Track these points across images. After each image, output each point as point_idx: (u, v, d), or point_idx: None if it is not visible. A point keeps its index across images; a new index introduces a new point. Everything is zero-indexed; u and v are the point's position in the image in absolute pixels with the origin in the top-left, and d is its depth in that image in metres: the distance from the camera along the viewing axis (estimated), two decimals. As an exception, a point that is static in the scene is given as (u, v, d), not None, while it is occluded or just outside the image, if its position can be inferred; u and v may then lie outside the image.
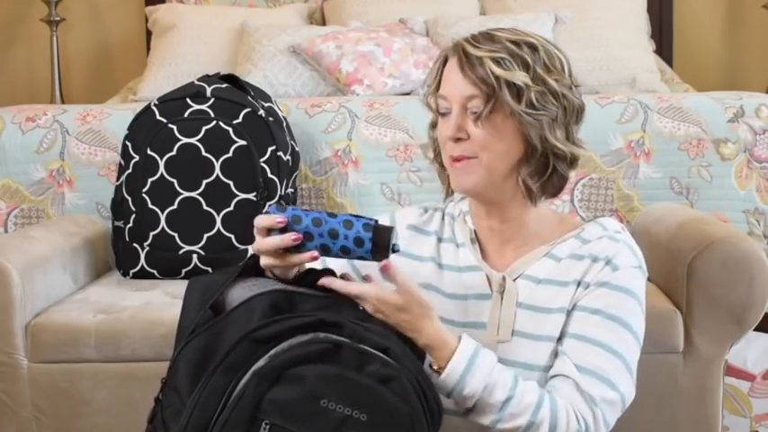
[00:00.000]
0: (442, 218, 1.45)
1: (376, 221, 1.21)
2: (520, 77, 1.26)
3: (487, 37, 1.30)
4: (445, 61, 1.33)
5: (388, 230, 1.20)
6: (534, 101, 1.26)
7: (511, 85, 1.26)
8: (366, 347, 1.13)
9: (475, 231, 1.39)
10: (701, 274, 1.71)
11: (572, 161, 1.31)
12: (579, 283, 1.31)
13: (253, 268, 1.27)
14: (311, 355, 1.11)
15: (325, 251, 1.21)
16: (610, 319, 1.29)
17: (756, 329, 1.77)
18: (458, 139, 1.29)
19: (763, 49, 3.83)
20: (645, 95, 2.35)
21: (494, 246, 1.38)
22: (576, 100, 1.31)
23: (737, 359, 2.10)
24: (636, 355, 1.31)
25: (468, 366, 1.22)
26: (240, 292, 1.24)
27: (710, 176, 2.17)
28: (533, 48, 1.29)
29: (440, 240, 1.42)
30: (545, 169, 1.30)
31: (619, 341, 1.29)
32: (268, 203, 2.01)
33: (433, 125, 1.38)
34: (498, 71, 1.26)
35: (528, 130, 1.27)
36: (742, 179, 2.16)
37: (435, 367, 1.23)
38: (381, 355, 1.13)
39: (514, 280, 1.34)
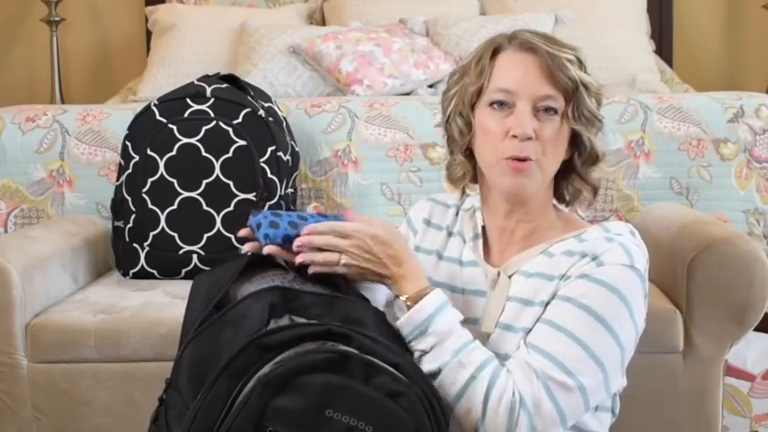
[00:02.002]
0: (456, 213, 1.45)
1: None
2: (591, 80, 1.30)
3: (547, 37, 1.32)
4: (493, 53, 1.32)
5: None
6: (597, 105, 1.32)
7: (587, 87, 1.30)
8: (374, 360, 1.12)
9: (483, 228, 1.39)
10: (701, 274, 1.71)
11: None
12: (563, 277, 1.28)
13: (260, 259, 1.28)
14: (317, 364, 1.09)
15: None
16: (580, 308, 1.23)
17: (756, 329, 1.77)
18: (527, 138, 1.27)
19: (763, 49, 3.83)
20: (645, 95, 2.35)
21: (501, 245, 1.37)
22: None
23: (737, 359, 2.10)
24: (612, 355, 1.24)
25: (439, 307, 1.25)
26: (248, 288, 1.24)
27: (710, 176, 2.17)
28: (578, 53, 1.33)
29: (450, 234, 1.43)
30: None
31: (586, 331, 1.22)
32: (268, 203, 2.01)
33: (460, 114, 1.35)
34: (579, 72, 1.29)
35: (583, 136, 1.31)
36: (742, 179, 2.16)
37: (404, 298, 1.26)
38: (391, 369, 1.12)
39: (510, 276, 1.33)
